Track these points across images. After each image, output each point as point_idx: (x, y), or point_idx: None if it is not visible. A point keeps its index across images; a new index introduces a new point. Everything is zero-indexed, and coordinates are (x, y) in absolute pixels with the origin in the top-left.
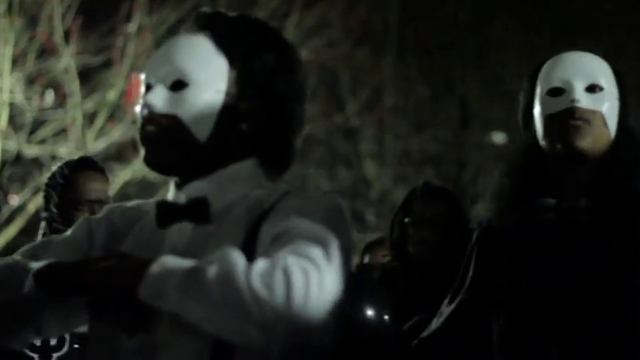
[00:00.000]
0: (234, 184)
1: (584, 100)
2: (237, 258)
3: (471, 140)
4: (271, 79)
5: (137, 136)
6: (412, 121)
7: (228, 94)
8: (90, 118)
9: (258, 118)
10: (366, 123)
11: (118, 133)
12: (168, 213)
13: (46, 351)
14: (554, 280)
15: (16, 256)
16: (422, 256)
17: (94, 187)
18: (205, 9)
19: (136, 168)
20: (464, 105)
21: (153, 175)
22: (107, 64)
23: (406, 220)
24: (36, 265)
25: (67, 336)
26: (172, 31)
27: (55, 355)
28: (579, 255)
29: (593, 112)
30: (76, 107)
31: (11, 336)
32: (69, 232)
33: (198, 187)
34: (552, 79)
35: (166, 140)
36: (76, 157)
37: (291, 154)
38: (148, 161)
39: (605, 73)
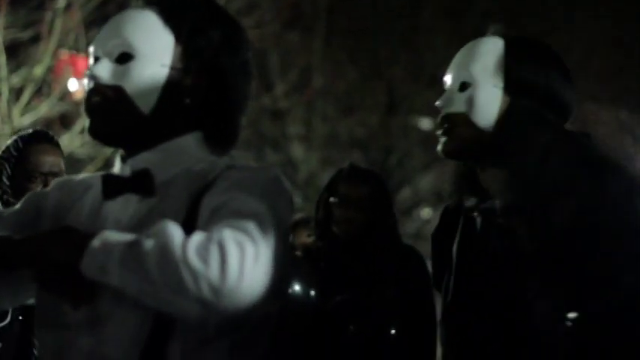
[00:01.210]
0: (178, 157)
1: (447, 103)
2: (174, 231)
3: (397, 125)
4: (216, 55)
5: (83, 107)
6: (340, 104)
7: (173, 68)
8: (16, 93)
9: (202, 93)
10: (295, 105)
11: (44, 109)
12: (113, 185)
13: None
14: (467, 279)
15: None
16: (346, 236)
17: (47, 160)
18: None
19: (63, 144)
20: (391, 90)
21: (79, 151)
22: (35, 39)
23: (331, 200)
24: None
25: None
26: (101, 8)
27: None
28: (490, 256)
29: (458, 114)
30: (3, 82)
31: None
32: (17, 205)
33: (142, 160)
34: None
35: (111, 111)
36: (26, 131)
37: (235, 130)
38: (93, 131)
39: (477, 61)
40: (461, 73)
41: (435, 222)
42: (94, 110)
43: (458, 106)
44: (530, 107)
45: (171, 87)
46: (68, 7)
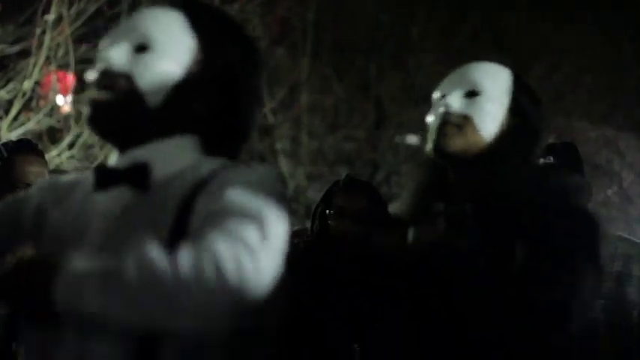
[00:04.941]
0: (177, 156)
1: (455, 105)
2: (157, 254)
3: (385, 141)
4: (232, 71)
5: (86, 93)
6: (327, 120)
7: (188, 71)
8: (5, 107)
9: (211, 103)
10: (282, 121)
11: (33, 123)
12: (106, 176)
13: None
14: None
15: None
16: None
17: (32, 170)
18: None
19: (51, 158)
20: (379, 106)
21: (67, 165)
22: (24, 54)
23: (327, 212)
24: None
25: None
26: (89, 24)
27: None
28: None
29: (464, 116)
30: None
31: None
32: None
33: (140, 154)
34: (440, 88)
35: (117, 102)
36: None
37: (238, 146)
38: (93, 119)
39: (490, 79)
40: (469, 82)
41: None
42: (99, 99)
43: (466, 109)
44: (527, 130)
45: (182, 88)
46: (57, 22)
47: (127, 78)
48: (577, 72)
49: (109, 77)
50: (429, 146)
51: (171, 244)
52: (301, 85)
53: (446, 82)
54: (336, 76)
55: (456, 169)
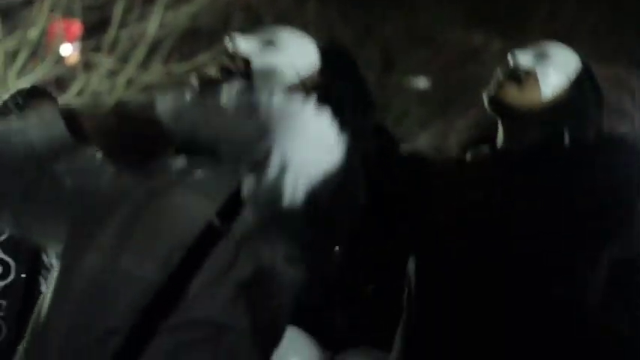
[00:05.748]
0: None
1: (524, 61)
2: None
3: (393, 84)
4: None
5: None
6: None
7: None
8: (12, 56)
9: None
10: None
11: (40, 72)
12: None
13: None
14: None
15: None
16: None
17: None
18: None
19: None
20: (386, 49)
21: None
22: (29, 3)
23: None
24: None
25: (12, 264)
26: None
27: (1, 284)
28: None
29: (529, 71)
30: None
31: None
32: None
33: None
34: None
35: None
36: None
37: None
38: None
39: (562, 51)
40: (543, 46)
41: None
42: None
43: (533, 65)
44: (582, 105)
45: None
46: None
47: None
48: (581, 11)
49: None
50: (486, 95)
51: None
52: (308, 30)
53: (522, 49)
54: (341, 19)
55: (507, 121)
